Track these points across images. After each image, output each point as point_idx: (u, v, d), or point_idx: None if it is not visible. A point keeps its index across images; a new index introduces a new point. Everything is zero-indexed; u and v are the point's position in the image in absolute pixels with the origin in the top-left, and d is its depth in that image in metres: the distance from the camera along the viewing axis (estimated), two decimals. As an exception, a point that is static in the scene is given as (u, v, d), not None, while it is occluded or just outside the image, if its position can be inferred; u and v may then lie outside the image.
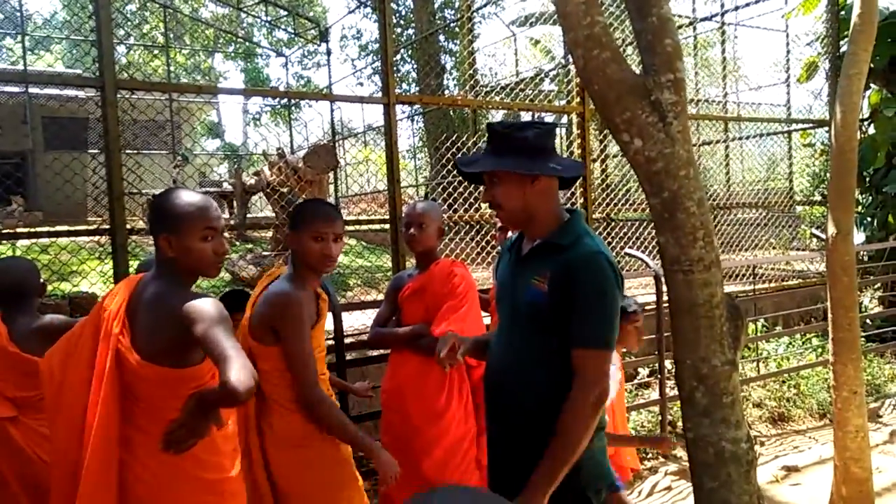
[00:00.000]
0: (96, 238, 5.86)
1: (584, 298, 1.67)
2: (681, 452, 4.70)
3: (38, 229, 4.05)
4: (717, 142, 8.90)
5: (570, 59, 9.59)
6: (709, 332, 1.57)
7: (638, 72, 1.64)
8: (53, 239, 3.83)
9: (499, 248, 3.59)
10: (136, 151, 7.36)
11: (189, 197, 1.89)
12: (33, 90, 11.39)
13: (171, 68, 14.50)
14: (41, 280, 2.57)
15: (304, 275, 2.29)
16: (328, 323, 3.66)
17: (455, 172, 5.78)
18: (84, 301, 5.54)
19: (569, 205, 4.35)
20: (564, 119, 7.65)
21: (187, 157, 12.79)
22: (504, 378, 1.83)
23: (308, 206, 2.42)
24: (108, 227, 3.47)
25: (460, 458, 2.86)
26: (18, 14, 11.58)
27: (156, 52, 17.43)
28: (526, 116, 9.51)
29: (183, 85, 9.74)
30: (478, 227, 5.76)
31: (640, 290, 6.12)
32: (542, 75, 11.14)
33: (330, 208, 2.42)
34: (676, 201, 1.54)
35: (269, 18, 16.21)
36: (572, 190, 5.38)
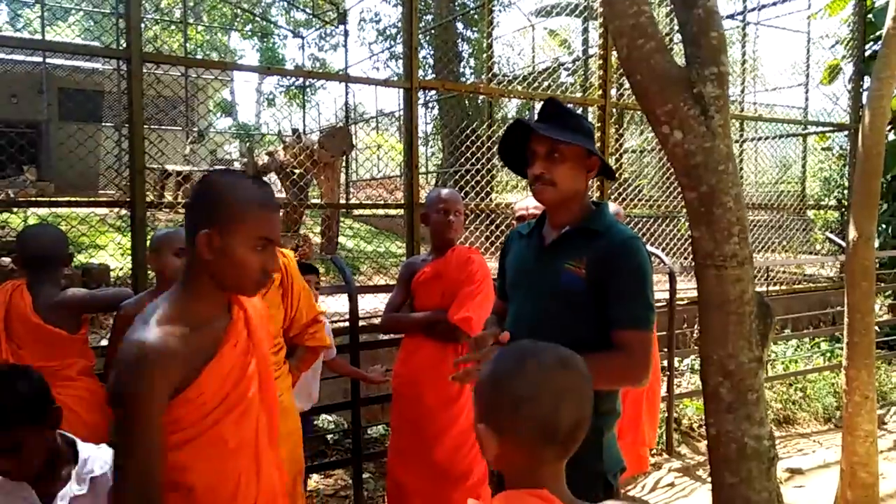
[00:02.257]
0: (107, 210, 5.88)
1: (626, 281, 1.70)
2: (685, 450, 4.72)
3: (58, 199, 4.06)
4: (735, 141, 8.82)
5: (589, 52, 9.52)
6: (738, 329, 1.58)
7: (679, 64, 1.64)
8: (72, 210, 3.83)
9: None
10: (158, 126, 7.36)
11: (256, 189, 1.42)
12: (50, 61, 11.37)
13: (188, 45, 14.44)
14: (69, 251, 2.58)
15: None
16: (343, 305, 3.69)
17: (472, 161, 5.80)
18: (96, 272, 5.58)
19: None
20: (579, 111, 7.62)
21: (203, 133, 12.77)
22: None
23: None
24: (128, 199, 3.46)
25: (470, 445, 2.88)
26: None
27: (172, 27, 17.37)
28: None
29: (206, 61, 9.76)
30: (492, 216, 5.74)
31: (651, 287, 6.10)
32: (561, 67, 11.07)
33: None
34: (714, 196, 1.54)
35: (287, -2, 16.13)
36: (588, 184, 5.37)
